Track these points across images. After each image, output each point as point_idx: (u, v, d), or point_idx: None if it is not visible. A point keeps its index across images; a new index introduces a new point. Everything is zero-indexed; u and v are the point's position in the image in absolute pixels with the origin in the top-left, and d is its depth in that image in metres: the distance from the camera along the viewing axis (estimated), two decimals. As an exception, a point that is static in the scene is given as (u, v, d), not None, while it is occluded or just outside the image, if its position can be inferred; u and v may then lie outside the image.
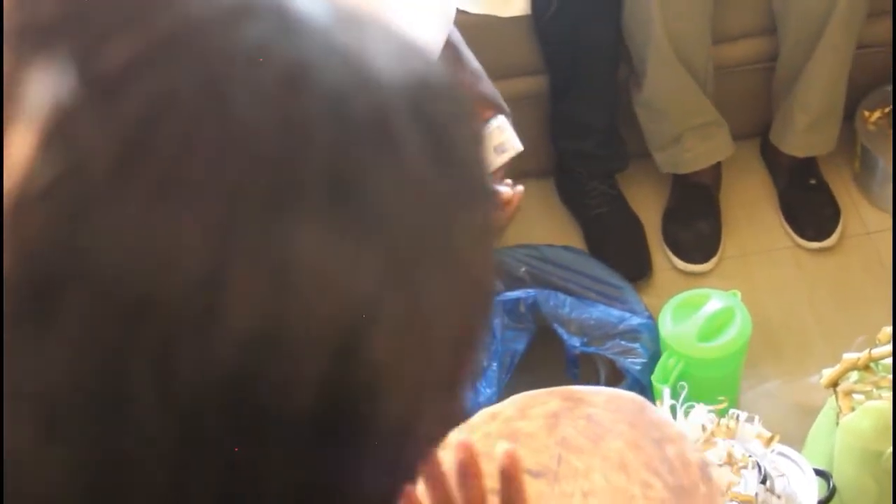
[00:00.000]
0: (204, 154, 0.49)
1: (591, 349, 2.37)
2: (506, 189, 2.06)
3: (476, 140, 0.60)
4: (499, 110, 2.18)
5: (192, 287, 0.48)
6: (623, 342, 2.36)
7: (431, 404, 0.58)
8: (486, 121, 2.16)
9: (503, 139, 2.15)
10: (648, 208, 2.99)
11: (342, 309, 0.51)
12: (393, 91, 0.55)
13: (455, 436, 1.34)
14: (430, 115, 0.56)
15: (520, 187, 2.08)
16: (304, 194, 0.50)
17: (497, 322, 2.37)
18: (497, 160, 2.14)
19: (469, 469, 1.10)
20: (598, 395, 1.32)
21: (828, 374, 2.07)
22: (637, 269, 2.83)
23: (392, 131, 0.54)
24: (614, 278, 2.52)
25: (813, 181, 2.97)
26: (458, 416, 0.61)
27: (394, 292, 0.53)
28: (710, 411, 1.97)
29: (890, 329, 2.09)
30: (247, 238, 0.49)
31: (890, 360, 2.05)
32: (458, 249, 0.57)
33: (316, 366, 0.51)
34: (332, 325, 0.51)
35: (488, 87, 2.19)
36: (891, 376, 2.03)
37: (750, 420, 1.95)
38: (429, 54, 0.61)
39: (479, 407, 2.19)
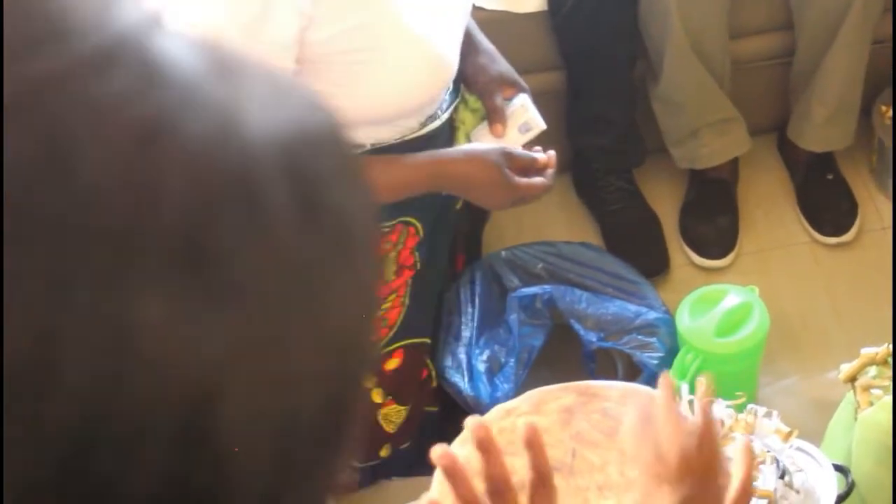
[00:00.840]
0: (43, 214, 0.47)
1: (608, 344, 2.37)
2: (540, 155, 2.07)
3: (357, 197, 0.57)
4: (519, 88, 2.19)
5: (28, 340, 0.47)
6: (640, 337, 2.36)
7: (301, 476, 0.55)
8: (508, 99, 2.16)
9: (527, 118, 2.16)
10: (665, 204, 2.99)
11: (188, 377, 0.49)
12: (262, 146, 0.52)
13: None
14: (303, 171, 0.53)
15: (551, 151, 2.09)
16: (148, 260, 0.48)
17: (514, 318, 2.37)
18: (521, 139, 2.15)
19: (488, 446, 1.11)
20: (613, 390, 1.32)
21: (846, 368, 2.07)
22: (654, 265, 2.83)
23: (256, 192, 0.51)
24: (631, 274, 2.52)
25: (830, 176, 2.97)
26: (339, 484, 0.59)
27: (249, 361, 0.51)
28: (728, 406, 1.96)
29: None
30: (84, 298, 0.48)
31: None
32: (327, 315, 0.54)
33: (161, 433, 0.50)
34: (176, 392, 0.49)
35: (504, 65, 2.19)
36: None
37: (768, 415, 1.95)
38: (314, 103, 0.57)
39: (496, 402, 2.21)
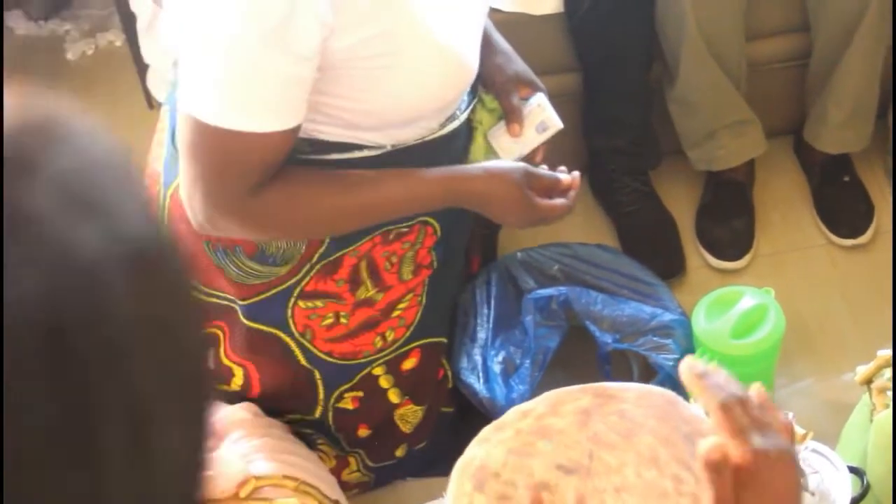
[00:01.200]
0: None
1: (624, 346, 2.37)
2: (564, 177, 2.06)
3: (167, 368, 0.49)
4: (535, 88, 2.18)
5: None
6: (656, 338, 2.35)
7: None
8: (525, 99, 2.16)
9: (544, 117, 2.16)
10: (682, 206, 2.99)
11: None
12: (26, 326, 0.44)
13: (487, 432, 1.35)
14: (73, 352, 0.45)
15: (576, 173, 2.08)
16: None
17: (529, 319, 2.37)
18: (538, 138, 2.15)
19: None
20: (630, 392, 1.32)
21: (862, 371, 2.07)
22: (670, 267, 2.83)
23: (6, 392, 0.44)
24: (647, 276, 2.52)
25: (846, 178, 2.96)
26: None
27: None
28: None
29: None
30: None
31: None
32: None
33: None
34: None
35: (520, 65, 2.19)
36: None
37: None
38: (130, 238, 0.48)
39: (512, 404, 2.21)
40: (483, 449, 1.33)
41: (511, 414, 1.34)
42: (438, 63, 1.86)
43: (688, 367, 1.12)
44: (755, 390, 1.14)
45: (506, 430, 1.34)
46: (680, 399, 1.32)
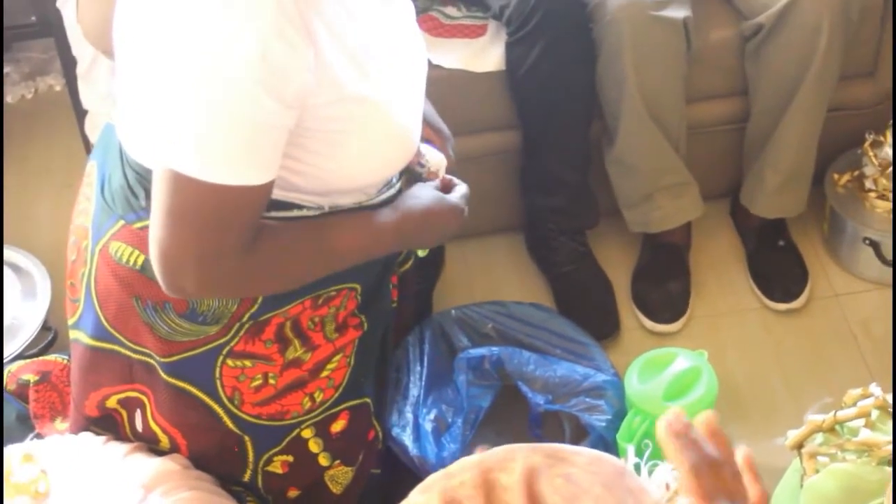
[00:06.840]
0: None
1: (556, 407, 2.37)
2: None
3: None
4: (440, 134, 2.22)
5: None
6: (588, 399, 2.35)
7: None
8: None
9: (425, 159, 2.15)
10: (618, 267, 3.00)
11: None
12: None
13: (433, 480, 1.34)
14: None
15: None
16: None
17: (462, 379, 2.36)
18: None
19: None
20: (581, 456, 1.30)
21: (793, 435, 2.08)
22: (605, 328, 2.83)
23: None
24: (581, 336, 2.52)
25: (782, 243, 2.99)
26: None
27: None
28: (673, 470, 1.96)
29: (855, 391, 2.10)
30: None
31: (855, 423, 2.06)
32: None
33: None
34: None
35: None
36: (855, 438, 2.03)
37: (714, 480, 1.95)
38: None
39: (442, 462, 2.20)
40: (425, 497, 1.32)
41: (458, 465, 1.33)
42: (393, 140, 1.86)
43: (666, 425, 1.12)
44: (742, 454, 1.14)
45: (451, 479, 1.32)
46: (630, 470, 1.32)
